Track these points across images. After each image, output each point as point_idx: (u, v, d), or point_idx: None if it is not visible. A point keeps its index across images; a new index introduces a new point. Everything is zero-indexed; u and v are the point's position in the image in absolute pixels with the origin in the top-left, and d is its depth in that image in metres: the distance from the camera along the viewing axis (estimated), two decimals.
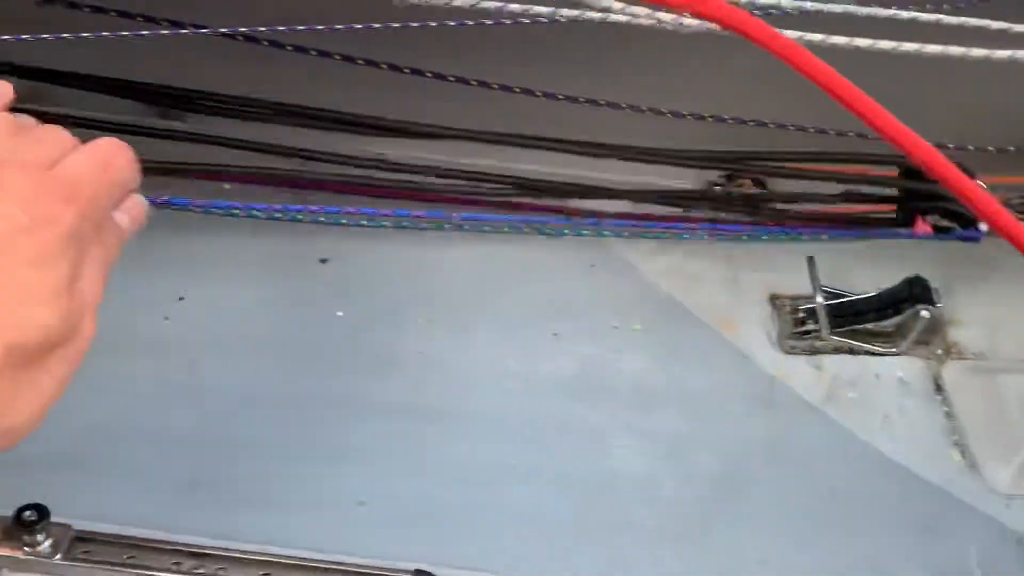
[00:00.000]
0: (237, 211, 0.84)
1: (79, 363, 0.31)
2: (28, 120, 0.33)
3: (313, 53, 0.76)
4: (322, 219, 0.85)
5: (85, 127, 0.78)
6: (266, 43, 0.75)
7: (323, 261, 0.83)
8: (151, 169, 0.37)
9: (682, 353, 0.81)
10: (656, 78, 0.81)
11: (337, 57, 0.78)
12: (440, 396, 0.75)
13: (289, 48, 0.75)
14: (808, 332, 0.81)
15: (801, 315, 0.83)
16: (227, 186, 0.87)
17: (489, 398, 0.76)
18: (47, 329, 0.28)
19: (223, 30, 0.72)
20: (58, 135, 0.33)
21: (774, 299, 0.85)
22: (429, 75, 0.78)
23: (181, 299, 0.80)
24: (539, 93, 0.81)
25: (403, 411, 0.74)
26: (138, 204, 0.36)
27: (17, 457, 0.29)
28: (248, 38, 0.75)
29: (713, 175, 0.93)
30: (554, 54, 0.79)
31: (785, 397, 0.78)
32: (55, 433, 0.34)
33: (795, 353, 0.81)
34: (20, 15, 0.67)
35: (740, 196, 0.92)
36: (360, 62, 0.79)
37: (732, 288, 0.86)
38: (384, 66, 0.79)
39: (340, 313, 0.80)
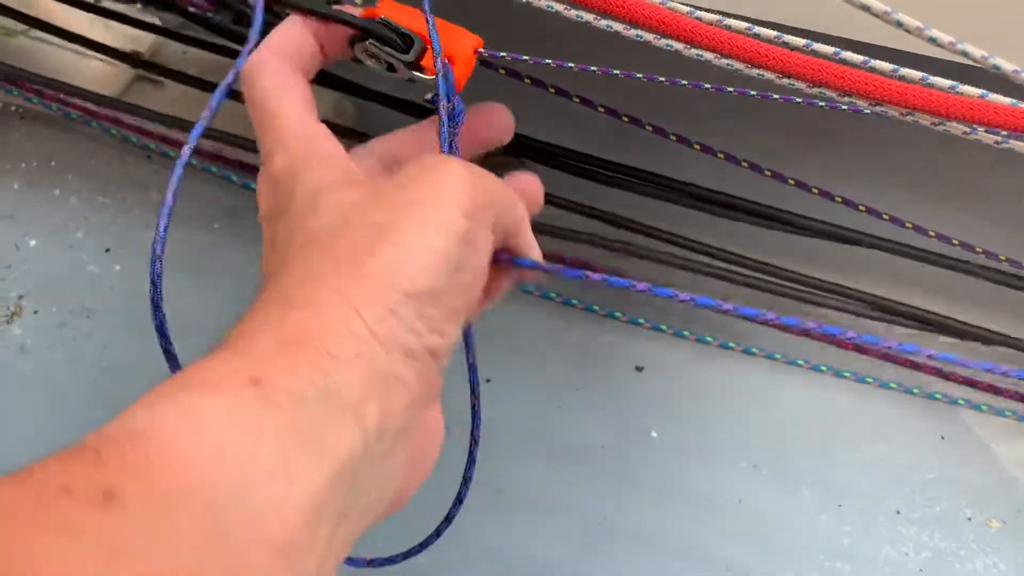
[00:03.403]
0: (553, 295, 0.79)
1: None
2: None
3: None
4: (642, 321, 0.78)
5: None
6: (649, 127, 0.68)
7: (639, 369, 0.75)
8: None
9: None
10: None
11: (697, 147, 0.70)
12: (759, 558, 0.65)
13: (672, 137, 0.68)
14: None
15: None
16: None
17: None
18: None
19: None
20: None
21: None
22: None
23: (488, 381, 0.73)
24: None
25: (716, 565, 0.64)
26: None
27: None
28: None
29: None
30: None
31: None
32: None
33: None
34: None
35: None
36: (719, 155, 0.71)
37: None
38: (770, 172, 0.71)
39: (654, 434, 0.71)
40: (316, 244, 0.27)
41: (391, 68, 0.39)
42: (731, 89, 0.46)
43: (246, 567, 0.21)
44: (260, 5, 0.39)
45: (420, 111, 0.76)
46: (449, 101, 0.38)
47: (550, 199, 0.76)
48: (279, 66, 0.33)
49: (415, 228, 0.27)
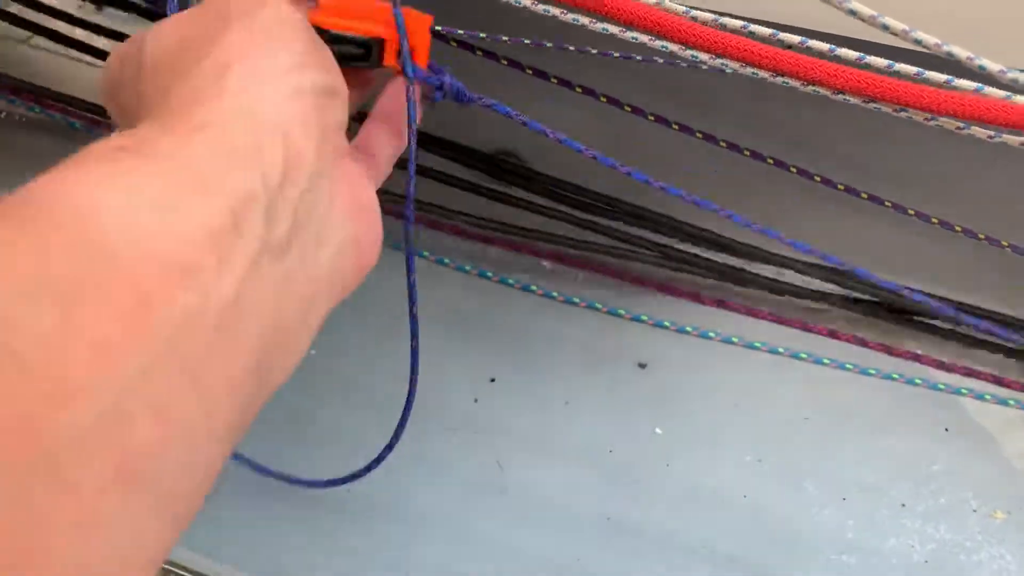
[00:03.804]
0: (555, 294, 0.80)
1: None
2: None
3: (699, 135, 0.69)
4: (644, 318, 0.78)
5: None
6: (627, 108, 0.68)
7: (642, 366, 0.76)
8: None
9: None
10: None
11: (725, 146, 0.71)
12: (764, 552, 0.66)
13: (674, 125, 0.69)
14: None
15: None
16: (546, 264, 0.82)
17: (820, 569, 0.65)
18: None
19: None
20: None
21: None
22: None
23: (492, 381, 0.74)
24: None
25: (721, 560, 0.65)
26: None
27: None
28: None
29: None
30: None
31: None
32: None
33: None
34: None
35: None
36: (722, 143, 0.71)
37: None
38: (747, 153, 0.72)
39: (658, 430, 0.72)
40: (164, 65, 0.28)
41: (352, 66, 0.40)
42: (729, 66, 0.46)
43: (136, 281, 0.20)
44: None
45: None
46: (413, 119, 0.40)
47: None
48: None
49: (248, 4, 0.29)
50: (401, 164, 0.42)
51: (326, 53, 0.31)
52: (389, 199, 0.78)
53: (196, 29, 0.28)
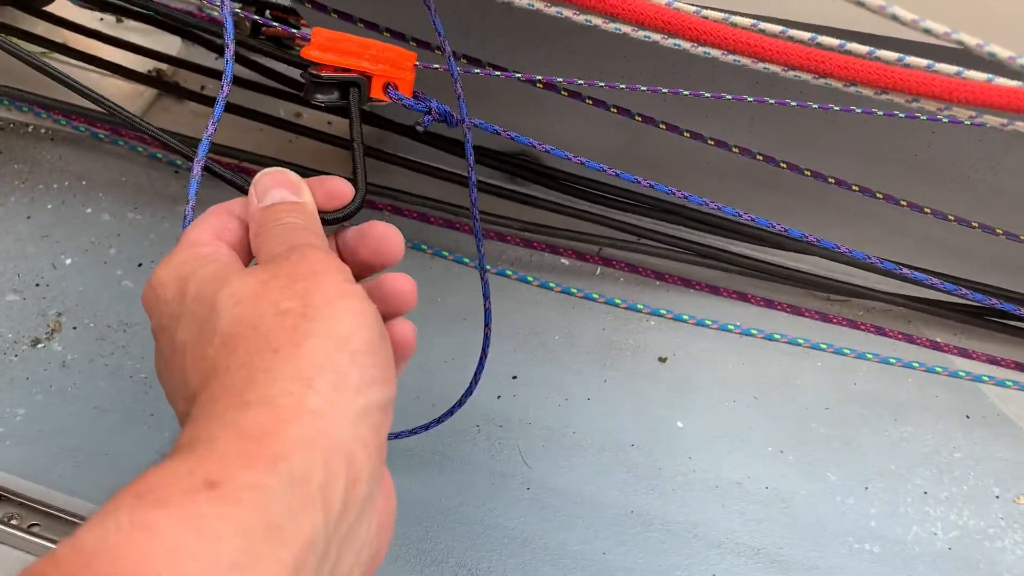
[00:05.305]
0: (574, 290, 0.80)
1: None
2: None
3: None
4: (664, 312, 0.79)
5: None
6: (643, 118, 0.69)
7: (662, 360, 0.76)
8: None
9: None
10: None
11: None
12: (788, 542, 0.66)
13: (662, 125, 0.69)
14: None
15: None
16: (565, 261, 0.83)
17: (843, 558, 0.66)
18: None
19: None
20: None
21: None
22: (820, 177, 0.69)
23: (514, 378, 0.75)
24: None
25: (745, 551, 0.65)
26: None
27: None
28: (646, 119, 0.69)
29: None
30: None
31: None
32: None
33: None
34: None
35: None
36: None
37: None
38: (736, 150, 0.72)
39: (680, 424, 0.72)
40: (240, 339, 0.28)
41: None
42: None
43: None
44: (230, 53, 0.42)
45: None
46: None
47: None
48: (209, 215, 0.36)
49: (329, 297, 0.29)
50: (407, 165, 0.43)
51: (387, 353, 0.31)
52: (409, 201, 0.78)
53: (277, 304, 0.29)
